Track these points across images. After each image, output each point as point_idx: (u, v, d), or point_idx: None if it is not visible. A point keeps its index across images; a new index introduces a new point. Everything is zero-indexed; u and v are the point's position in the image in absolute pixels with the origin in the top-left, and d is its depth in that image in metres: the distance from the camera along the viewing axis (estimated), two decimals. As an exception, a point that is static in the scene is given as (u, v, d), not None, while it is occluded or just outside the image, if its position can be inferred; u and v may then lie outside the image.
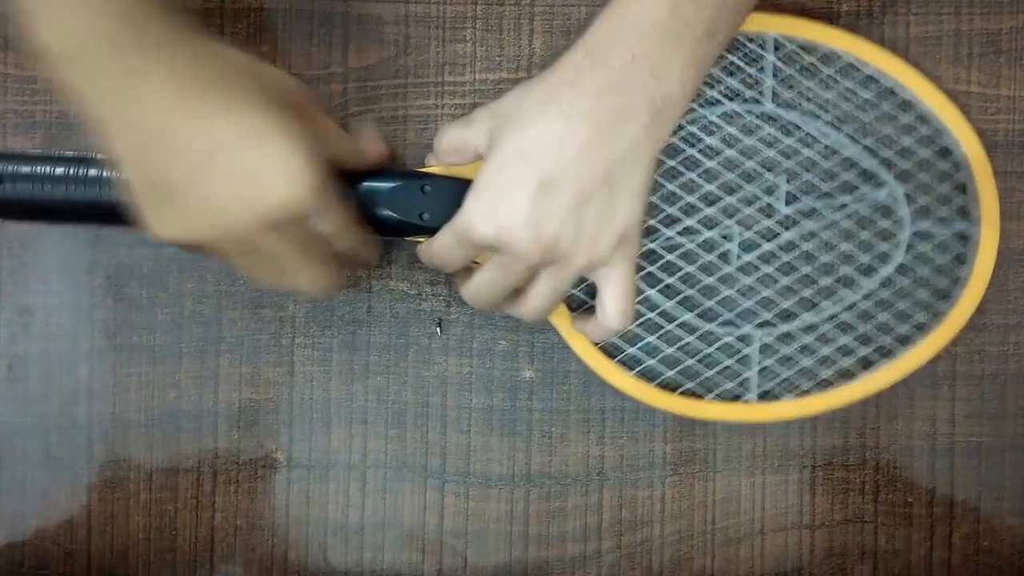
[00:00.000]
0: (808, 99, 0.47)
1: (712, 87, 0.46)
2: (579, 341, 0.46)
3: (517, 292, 0.42)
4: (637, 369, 0.46)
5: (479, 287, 0.41)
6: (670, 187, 0.46)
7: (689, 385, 0.46)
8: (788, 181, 0.46)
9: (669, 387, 0.46)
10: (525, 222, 0.37)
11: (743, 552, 0.48)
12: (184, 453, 0.47)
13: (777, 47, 0.46)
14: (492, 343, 0.47)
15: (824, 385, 0.47)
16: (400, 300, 0.48)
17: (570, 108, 0.38)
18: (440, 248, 0.41)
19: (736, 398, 0.47)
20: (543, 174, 0.37)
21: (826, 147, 0.47)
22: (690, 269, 0.46)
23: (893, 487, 0.48)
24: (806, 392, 0.46)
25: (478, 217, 0.38)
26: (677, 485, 0.48)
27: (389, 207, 0.41)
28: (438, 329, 0.47)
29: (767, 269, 0.47)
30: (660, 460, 0.48)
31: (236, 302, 0.47)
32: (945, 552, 0.48)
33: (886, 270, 0.46)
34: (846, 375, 0.47)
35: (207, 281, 0.47)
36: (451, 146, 0.42)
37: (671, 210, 0.46)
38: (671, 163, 0.46)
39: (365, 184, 0.42)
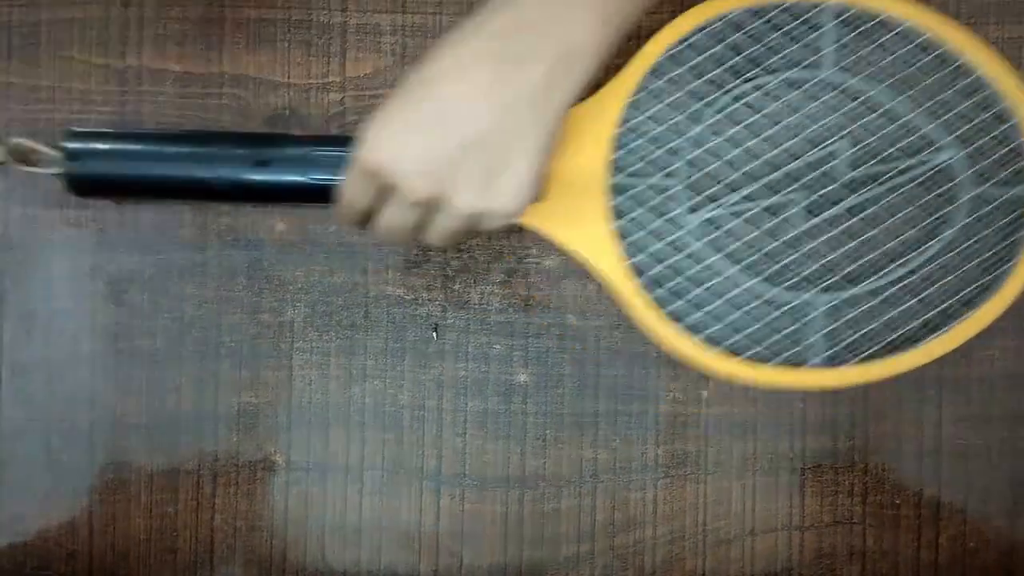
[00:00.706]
0: (867, 65, 0.47)
1: (774, 54, 0.47)
2: (639, 309, 0.45)
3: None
4: (701, 335, 0.46)
5: (383, 221, 0.40)
6: (734, 153, 0.47)
7: (756, 350, 0.46)
8: (850, 146, 0.47)
9: (733, 352, 0.46)
10: (415, 152, 0.37)
11: (734, 553, 0.48)
12: (184, 456, 0.48)
13: (837, 14, 0.47)
14: (487, 347, 0.48)
15: (889, 349, 0.46)
16: (397, 305, 0.48)
17: (475, 45, 0.37)
18: (346, 185, 0.40)
19: (801, 363, 0.46)
20: (439, 108, 0.37)
21: (885, 112, 0.47)
22: (755, 234, 0.47)
23: (881, 489, 0.48)
24: (871, 357, 0.46)
25: (372, 145, 0.38)
26: (669, 487, 0.48)
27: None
28: (434, 334, 0.48)
29: (830, 233, 0.47)
30: (652, 462, 0.48)
31: (236, 307, 0.48)
32: (932, 553, 0.48)
33: (947, 233, 0.47)
34: (911, 339, 0.46)
35: (207, 287, 0.48)
36: None
37: (735, 175, 0.47)
38: (735, 129, 0.47)
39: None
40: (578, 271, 0.48)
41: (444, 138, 0.37)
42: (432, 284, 0.48)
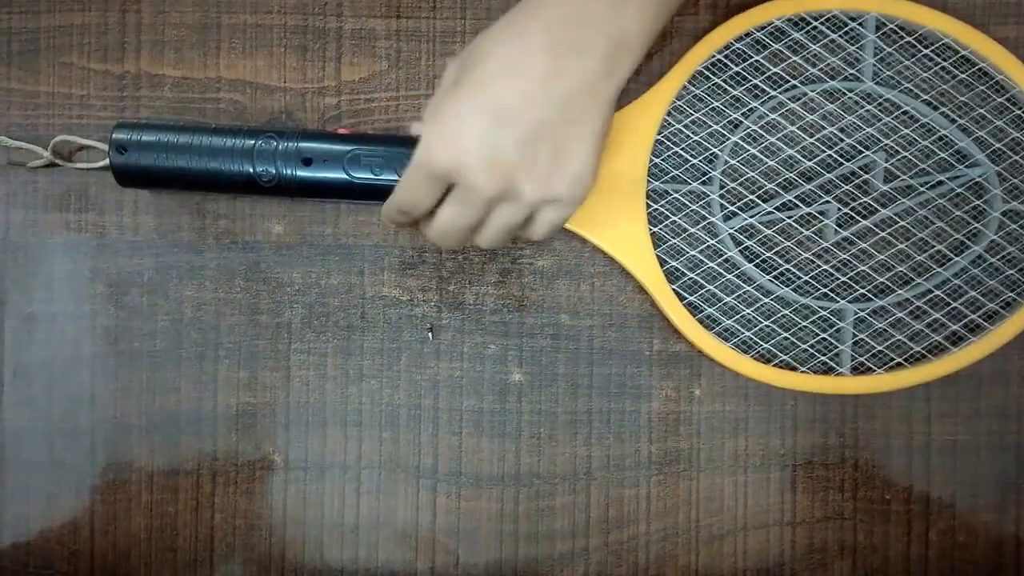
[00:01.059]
0: (906, 78, 0.48)
1: (814, 65, 0.48)
2: (683, 320, 0.47)
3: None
4: (733, 341, 0.48)
5: (442, 223, 0.41)
6: (770, 162, 0.48)
7: (784, 358, 0.48)
8: (886, 159, 0.48)
9: (764, 359, 0.48)
10: (479, 149, 0.37)
11: (726, 548, 0.49)
12: (184, 456, 0.49)
13: (878, 27, 0.47)
14: (482, 347, 0.49)
15: (916, 359, 0.48)
16: (393, 306, 0.49)
17: (527, 39, 0.38)
18: (405, 187, 0.40)
19: (828, 371, 0.48)
20: (499, 103, 0.37)
21: (923, 125, 0.48)
22: (787, 244, 0.48)
23: (871, 485, 0.49)
24: (898, 365, 0.48)
25: (436, 145, 0.38)
26: (662, 484, 0.49)
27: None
28: (430, 334, 0.49)
29: (862, 244, 0.48)
30: (645, 460, 0.49)
31: (234, 309, 0.49)
32: (922, 547, 0.49)
33: (977, 247, 0.47)
34: (936, 350, 0.48)
35: (206, 288, 0.49)
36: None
37: (770, 185, 0.48)
38: (771, 139, 0.48)
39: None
40: (571, 271, 0.49)
41: (508, 132, 0.38)
42: (427, 285, 0.49)
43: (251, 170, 0.43)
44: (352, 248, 0.49)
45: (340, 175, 0.43)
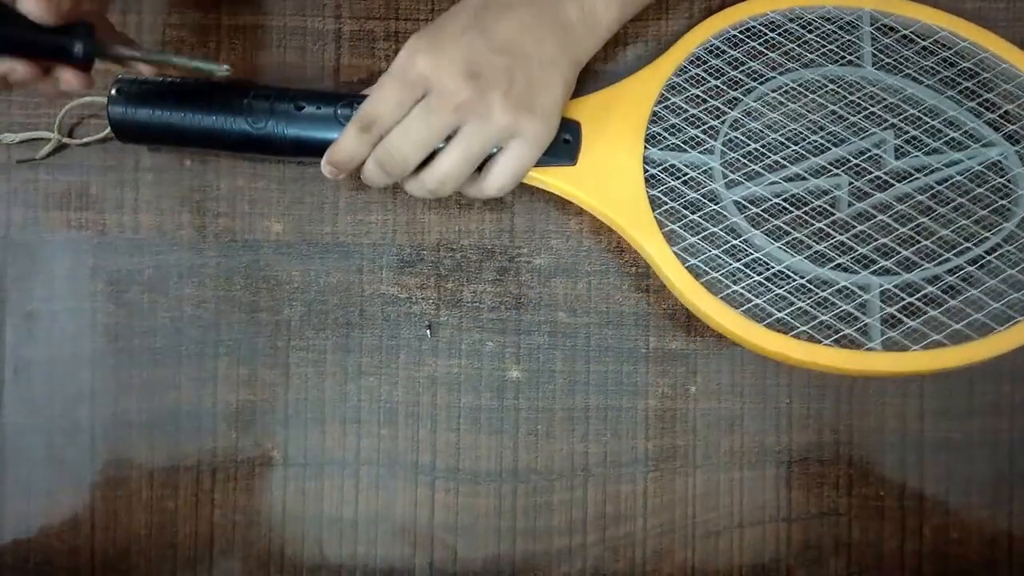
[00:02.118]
0: (908, 65, 0.48)
1: (812, 51, 0.48)
2: (677, 274, 0.45)
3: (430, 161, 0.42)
4: (743, 308, 0.45)
5: (403, 130, 0.41)
6: (773, 136, 0.48)
7: (801, 328, 0.45)
8: (895, 136, 0.48)
9: (781, 329, 0.45)
10: (462, 58, 0.40)
11: (722, 545, 0.49)
12: (184, 452, 0.49)
13: (873, 21, 0.48)
14: (480, 344, 0.49)
15: (958, 338, 0.45)
16: (391, 304, 0.49)
17: None
18: (376, 95, 0.41)
19: (854, 345, 0.45)
20: (484, 23, 0.41)
21: (929, 108, 0.48)
22: (796, 213, 0.47)
23: (866, 481, 0.49)
24: (938, 343, 0.44)
25: (420, 50, 0.41)
26: (659, 480, 0.49)
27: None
28: (428, 331, 0.49)
29: (880, 218, 0.47)
30: (642, 456, 0.49)
31: (234, 306, 0.49)
32: (916, 544, 0.49)
33: (1008, 224, 0.46)
34: (979, 329, 0.45)
35: (206, 286, 0.49)
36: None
37: (774, 157, 0.48)
38: (774, 114, 0.48)
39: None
40: (568, 269, 0.49)
41: (493, 54, 0.41)
42: (425, 283, 0.49)
43: (244, 125, 0.44)
44: (351, 246, 0.49)
45: (331, 121, 0.44)
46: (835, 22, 0.48)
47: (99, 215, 0.49)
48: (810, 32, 0.48)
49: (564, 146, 0.46)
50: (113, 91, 0.44)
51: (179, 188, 0.49)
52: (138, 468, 0.49)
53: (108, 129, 0.45)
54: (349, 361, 0.49)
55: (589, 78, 0.49)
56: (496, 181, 0.43)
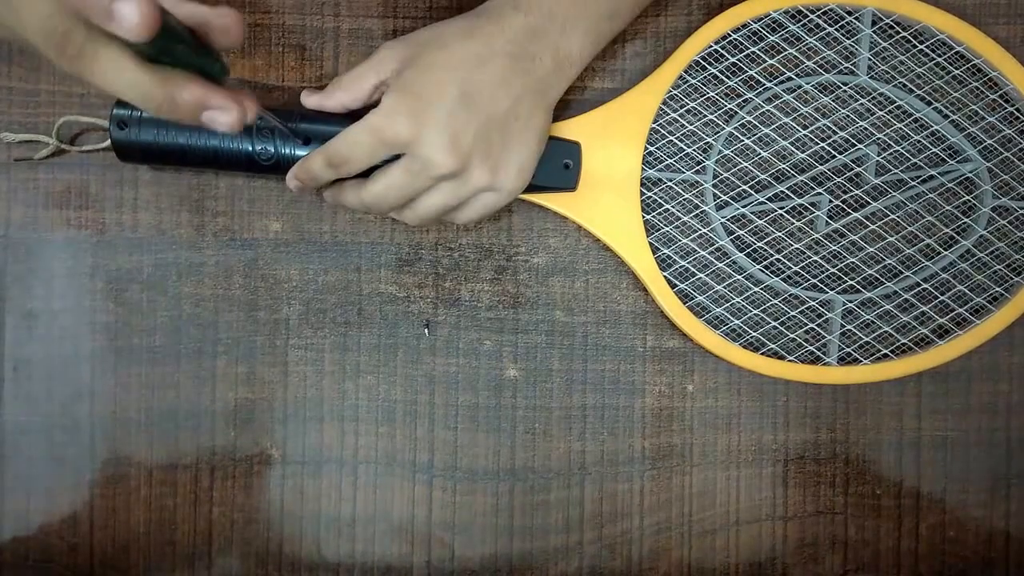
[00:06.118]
0: (901, 73, 0.49)
1: (809, 58, 0.48)
2: (673, 307, 0.47)
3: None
4: (722, 329, 0.48)
5: (386, 190, 0.42)
6: (763, 153, 0.48)
7: (772, 347, 0.48)
8: (879, 152, 0.48)
9: (752, 347, 0.48)
10: (445, 127, 0.40)
11: (719, 543, 0.49)
12: (183, 450, 0.49)
13: (874, 21, 0.48)
14: (477, 343, 0.49)
15: (902, 351, 0.48)
16: (389, 303, 0.49)
17: (491, 41, 0.41)
18: (346, 144, 0.41)
19: (815, 360, 0.48)
20: (464, 87, 0.40)
21: (916, 120, 0.48)
22: (778, 234, 0.49)
23: (862, 480, 0.49)
24: (884, 357, 0.48)
25: (399, 116, 0.40)
26: (655, 479, 0.49)
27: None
28: (426, 330, 0.49)
29: (852, 237, 0.48)
30: (639, 455, 0.49)
31: (232, 305, 0.49)
32: (913, 542, 0.50)
33: (966, 242, 0.48)
34: (922, 343, 0.48)
35: (205, 285, 0.49)
36: (349, 81, 0.43)
37: (762, 176, 0.48)
38: (765, 130, 0.48)
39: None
40: (566, 269, 0.49)
41: (472, 117, 0.40)
42: (424, 282, 0.49)
43: (250, 148, 0.44)
44: (349, 245, 0.49)
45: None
46: (836, 22, 0.48)
47: (98, 214, 0.49)
48: (810, 34, 0.48)
49: (564, 172, 0.46)
50: (115, 111, 0.44)
51: (178, 187, 0.49)
52: (137, 466, 0.49)
53: (109, 141, 0.45)
54: (347, 360, 0.49)
55: (588, 78, 0.49)
56: (464, 218, 0.44)
